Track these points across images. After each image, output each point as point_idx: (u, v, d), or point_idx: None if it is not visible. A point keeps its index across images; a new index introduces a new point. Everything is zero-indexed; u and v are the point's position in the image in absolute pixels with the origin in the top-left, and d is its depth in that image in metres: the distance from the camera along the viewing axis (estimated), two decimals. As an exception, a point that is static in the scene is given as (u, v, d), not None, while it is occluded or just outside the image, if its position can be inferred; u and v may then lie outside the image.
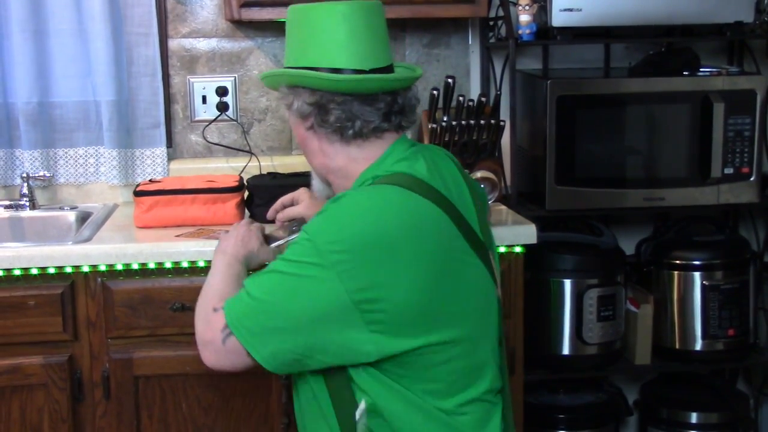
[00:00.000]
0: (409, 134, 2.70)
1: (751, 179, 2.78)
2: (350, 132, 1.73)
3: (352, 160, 1.76)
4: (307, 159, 1.84)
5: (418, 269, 1.60)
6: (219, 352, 1.66)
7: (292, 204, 2.13)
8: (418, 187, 1.66)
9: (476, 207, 1.81)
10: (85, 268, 2.32)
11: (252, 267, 1.92)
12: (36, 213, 2.83)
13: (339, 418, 1.67)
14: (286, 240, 2.03)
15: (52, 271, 2.31)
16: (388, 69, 1.77)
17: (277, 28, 2.97)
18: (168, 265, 2.33)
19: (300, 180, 2.60)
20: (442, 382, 1.67)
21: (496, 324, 1.81)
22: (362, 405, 1.66)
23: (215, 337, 1.66)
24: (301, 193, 2.13)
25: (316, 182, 1.92)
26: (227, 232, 2.28)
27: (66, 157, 2.93)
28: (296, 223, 2.10)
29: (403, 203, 1.64)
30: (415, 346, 1.62)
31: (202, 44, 2.97)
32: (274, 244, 2.04)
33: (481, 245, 1.76)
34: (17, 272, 2.30)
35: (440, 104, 2.70)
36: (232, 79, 2.99)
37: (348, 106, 1.71)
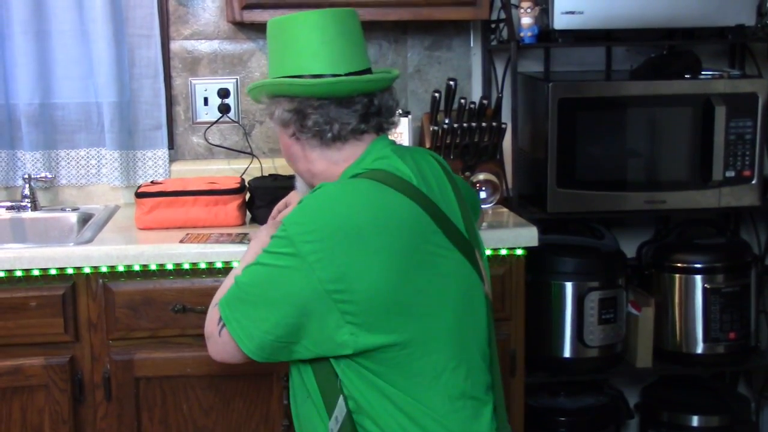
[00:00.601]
0: (401, 138, 2.73)
1: (753, 182, 2.78)
2: (329, 135, 1.77)
3: (333, 163, 1.80)
4: (292, 166, 1.90)
5: (387, 260, 1.63)
6: (217, 344, 1.73)
7: (286, 208, 2.17)
8: (394, 182, 1.70)
9: (461, 207, 1.82)
10: (87, 270, 2.32)
11: None
12: (37, 214, 2.83)
13: (327, 404, 1.71)
14: None
15: (53, 272, 2.31)
16: (366, 73, 1.80)
17: (278, 30, 2.97)
18: (169, 266, 2.34)
19: (301, 182, 2.60)
20: (425, 376, 1.69)
21: (484, 321, 1.81)
22: (336, 413, 1.71)
23: (214, 330, 1.73)
24: (292, 195, 2.17)
25: (299, 184, 1.98)
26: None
27: (68, 158, 2.93)
28: None
29: (374, 195, 1.67)
30: (391, 342, 1.64)
31: (204, 46, 2.98)
32: None
33: (466, 243, 1.77)
34: (19, 273, 2.30)
35: (442, 106, 2.70)
36: (234, 80, 2.99)
37: (325, 110, 1.76)
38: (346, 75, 1.76)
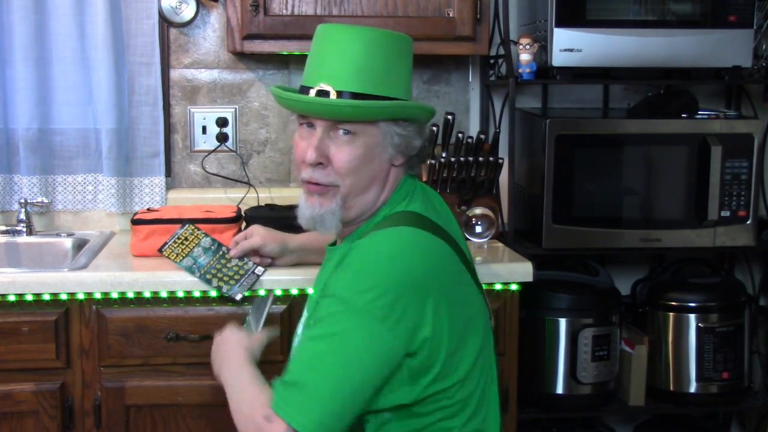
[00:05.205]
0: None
1: (748, 222, 2.79)
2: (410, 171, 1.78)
3: (383, 194, 1.75)
4: (359, 195, 1.72)
5: (443, 307, 1.59)
6: None
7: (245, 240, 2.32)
8: (426, 225, 1.66)
9: (465, 242, 1.82)
10: (80, 296, 2.31)
11: (257, 359, 1.81)
12: (32, 239, 2.83)
13: None
14: (264, 312, 2.01)
15: (46, 297, 2.30)
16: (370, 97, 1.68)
17: (278, 61, 2.98)
18: (163, 294, 2.33)
19: (298, 212, 2.60)
20: (461, 415, 1.66)
21: (495, 355, 1.80)
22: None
23: None
24: (253, 228, 2.32)
25: (306, 211, 1.75)
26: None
27: (64, 183, 2.93)
28: (259, 283, 2.31)
29: (422, 244, 1.63)
30: (444, 386, 1.62)
31: (204, 75, 2.99)
32: (260, 326, 2.03)
33: (477, 278, 1.78)
34: (12, 298, 2.29)
35: (439, 140, 2.71)
36: (233, 110, 3.00)
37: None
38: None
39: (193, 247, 2.36)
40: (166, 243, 2.36)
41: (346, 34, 1.68)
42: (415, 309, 1.55)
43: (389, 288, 1.54)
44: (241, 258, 2.33)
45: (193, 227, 2.39)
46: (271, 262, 2.35)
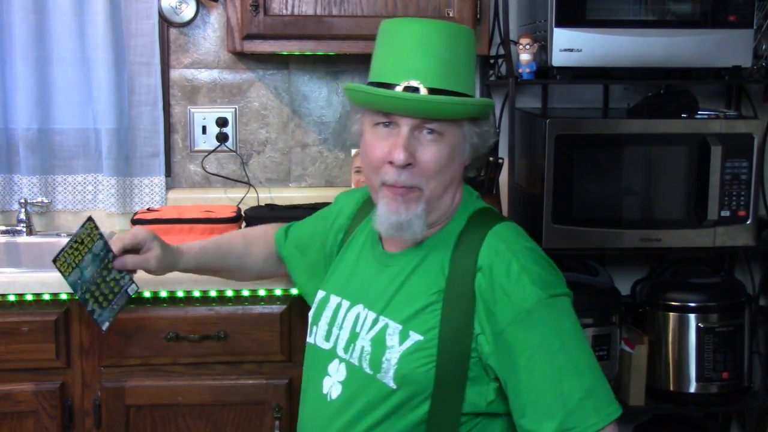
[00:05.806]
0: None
1: (748, 222, 2.79)
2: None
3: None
4: (440, 198, 1.68)
5: None
6: None
7: (134, 248, 1.90)
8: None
9: None
10: (80, 296, 2.31)
11: None
12: (32, 239, 2.83)
13: None
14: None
15: (47, 297, 2.31)
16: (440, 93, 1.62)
17: (278, 61, 2.98)
18: (163, 294, 2.33)
19: (298, 212, 2.60)
20: None
21: None
22: None
23: None
24: (148, 239, 1.90)
25: (392, 216, 1.65)
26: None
27: (64, 183, 2.93)
28: None
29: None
30: None
31: (204, 75, 2.99)
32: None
33: None
34: (12, 298, 2.30)
35: (439, 140, 2.70)
36: (233, 110, 3.00)
37: None
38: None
39: (86, 253, 1.86)
40: (62, 250, 1.81)
41: (425, 28, 1.61)
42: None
43: (554, 268, 1.68)
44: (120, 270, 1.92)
45: (92, 226, 1.87)
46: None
